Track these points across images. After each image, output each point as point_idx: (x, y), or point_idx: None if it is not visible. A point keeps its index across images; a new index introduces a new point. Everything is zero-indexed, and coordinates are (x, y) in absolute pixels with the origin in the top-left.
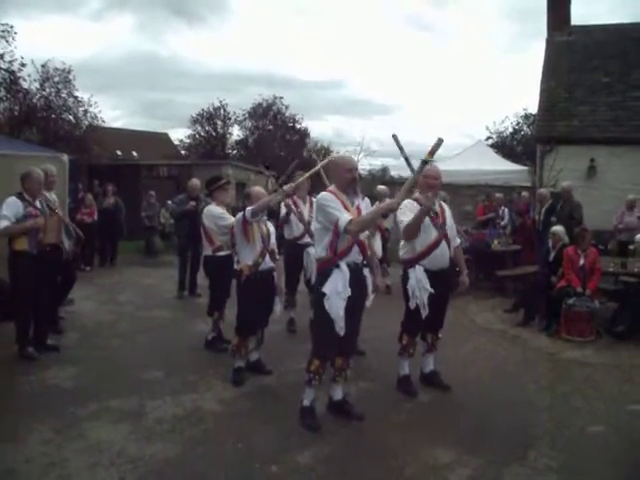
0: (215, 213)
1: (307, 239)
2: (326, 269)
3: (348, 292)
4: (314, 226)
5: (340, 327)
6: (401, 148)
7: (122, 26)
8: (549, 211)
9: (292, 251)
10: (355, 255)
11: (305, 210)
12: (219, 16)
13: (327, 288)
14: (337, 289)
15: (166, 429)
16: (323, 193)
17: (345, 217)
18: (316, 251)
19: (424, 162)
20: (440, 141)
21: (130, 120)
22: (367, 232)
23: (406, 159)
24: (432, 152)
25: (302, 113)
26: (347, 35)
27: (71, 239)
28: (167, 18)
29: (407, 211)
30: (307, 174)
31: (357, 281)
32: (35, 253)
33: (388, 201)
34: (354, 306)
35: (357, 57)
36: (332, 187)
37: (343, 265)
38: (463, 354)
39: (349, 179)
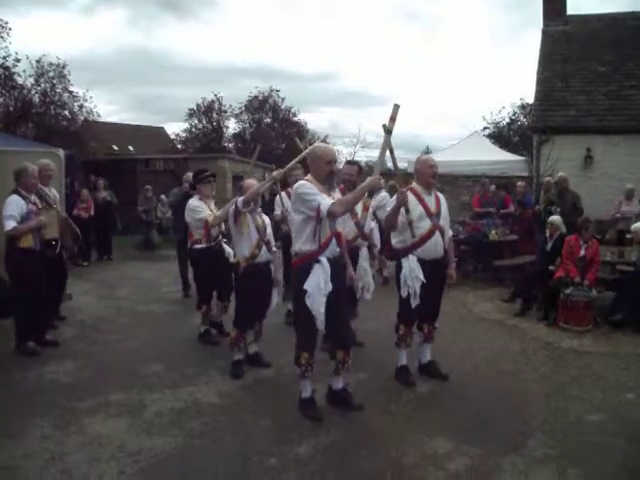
0: (191, 206)
1: None
2: (305, 264)
3: (329, 287)
4: (293, 219)
5: (321, 322)
6: (390, 147)
7: (113, 21)
8: (550, 201)
9: (289, 243)
10: (333, 248)
11: None
12: (209, 10)
13: (308, 285)
14: (319, 285)
15: (165, 422)
16: (300, 182)
17: (327, 201)
18: (294, 245)
19: (388, 131)
20: (397, 107)
21: (124, 115)
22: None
23: (390, 149)
24: (392, 119)
25: (297, 105)
26: (339, 27)
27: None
28: (156, 13)
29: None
30: (294, 160)
31: (337, 274)
32: (39, 249)
33: (368, 178)
34: (337, 299)
35: (351, 49)
36: (308, 176)
37: (324, 260)
38: (461, 344)
39: (328, 172)
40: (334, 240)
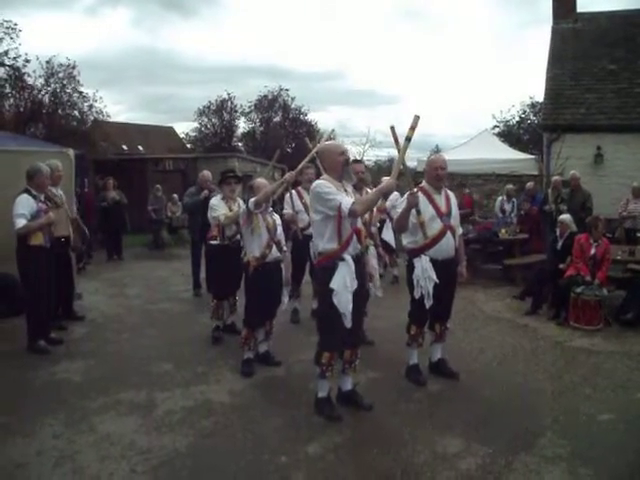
0: (211, 204)
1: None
2: (330, 263)
3: (355, 285)
4: (312, 218)
5: (348, 320)
6: (397, 140)
7: (118, 21)
8: (561, 199)
9: (298, 242)
10: (356, 245)
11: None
12: (212, 9)
13: (335, 283)
14: (345, 283)
15: (176, 421)
16: (318, 181)
17: (347, 199)
18: (317, 245)
19: (407, 139)
20: (417, 117)
21: (131, 114)
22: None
23: (398, 150)
24: (412, 128)
25: (305, 104)
26: (346, 25)
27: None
28: (160, 12)
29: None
30: (305, 160)
31: (360, 272)
32: (49, 247)
33: (385, 181)
34: (358, 297)
35: (358, 48)
36: (325, 176)
37: (348, 258)
38: (471, 343)
39: (342, 162)
40: (355, 237)
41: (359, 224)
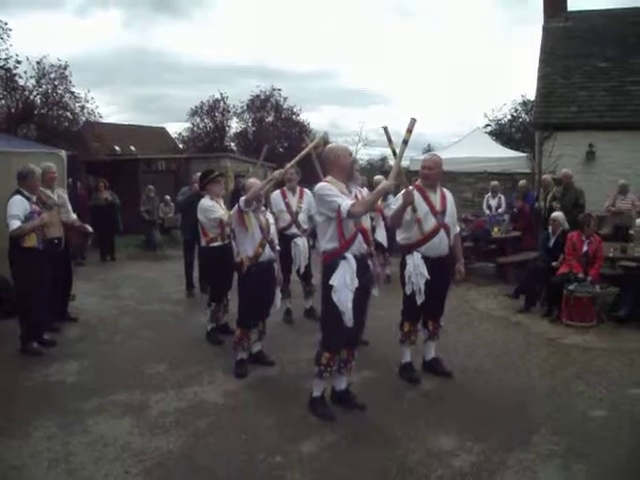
0: (205, 206)
1: (294, 230)
2: (333, 261)
3: (356, 283)
4: (316, 220)
5: (349, 319)
6: (390, 140)
7: (109, 22)
8: (554, 197)
9: (280, 242)
10: (360, 245)
11: (294, 201)
12: (202, 10)
13: (335, 280)
14: (345, 281)
15: (170, 422)
16: (321, 184)
17: (347, 201)
18: (320, 245)
19: (404, 142)
20: (414, 120)
21: (123, 115)
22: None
23: (393, 151)
24: (409, 130)
25: (298, 104)
26: (337, 25)
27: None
28: (150, 13)
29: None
30: (295, 159)
31: (363, 272)
32: (42, 248)
33: (383, 182)
34: (361, 297)
35: (348, 47)
36: (328, 177)
37: (350, 256)
38: (465, 341)
39: (351, 163)
40: (360, 236)
41: (367, 224)
